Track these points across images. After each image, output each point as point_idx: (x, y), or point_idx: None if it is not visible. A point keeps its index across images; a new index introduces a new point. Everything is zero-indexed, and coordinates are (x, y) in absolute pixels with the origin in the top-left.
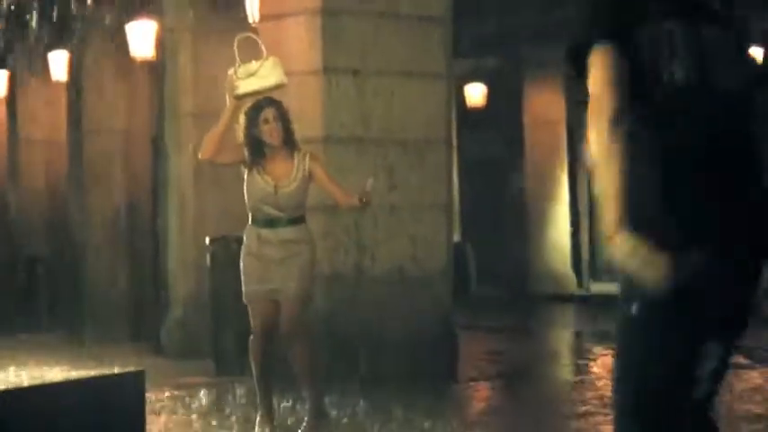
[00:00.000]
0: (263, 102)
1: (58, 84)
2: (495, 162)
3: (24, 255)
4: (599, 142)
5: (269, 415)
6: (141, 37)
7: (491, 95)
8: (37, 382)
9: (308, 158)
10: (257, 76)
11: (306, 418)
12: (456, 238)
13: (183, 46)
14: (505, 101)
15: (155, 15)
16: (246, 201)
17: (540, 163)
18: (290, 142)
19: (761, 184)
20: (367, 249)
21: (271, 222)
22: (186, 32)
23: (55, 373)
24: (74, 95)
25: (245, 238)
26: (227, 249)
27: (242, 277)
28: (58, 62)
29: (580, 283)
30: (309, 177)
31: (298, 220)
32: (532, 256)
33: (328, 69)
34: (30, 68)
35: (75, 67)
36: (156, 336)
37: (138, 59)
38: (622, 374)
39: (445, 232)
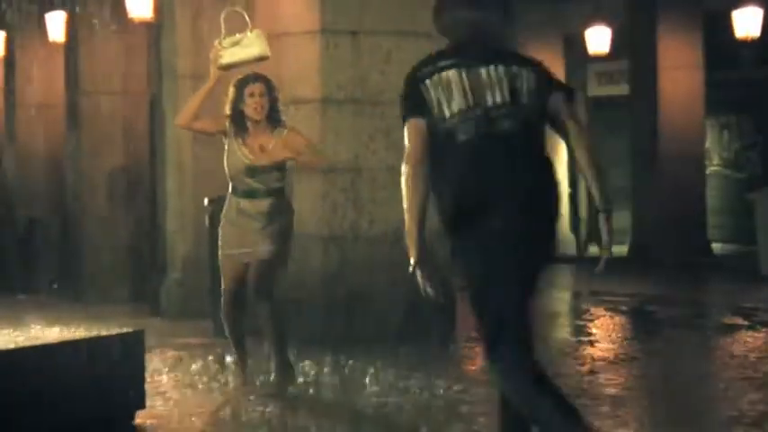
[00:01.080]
0: (252, 76)
1: (55, 44)
2: None
3: (23, 217)
4: (404, 179)
5: (243, 362)
6: None
7: None
8: (36, 342)
9: (285, 133)
10: (241, 45)
11: (273, 373)
12: None
13: (180, 6)
14: None
15: None
16: (226, 171)
17: None
18: (272, 118)
19: (536, 176)
20: (364, 210)
21: (249, 194)
22: None
23: (54, 334)
24: (71, 57)
25: (225, 206)
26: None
27: (219, 241)
28: (56, 23)
29: (578, 246)
30: (287, 151)
31: (275, 191)
32: None
33: (326, 30)
34: (27, 29)
35: (72, 28)
36: (155, 297)
37: (136, 20)
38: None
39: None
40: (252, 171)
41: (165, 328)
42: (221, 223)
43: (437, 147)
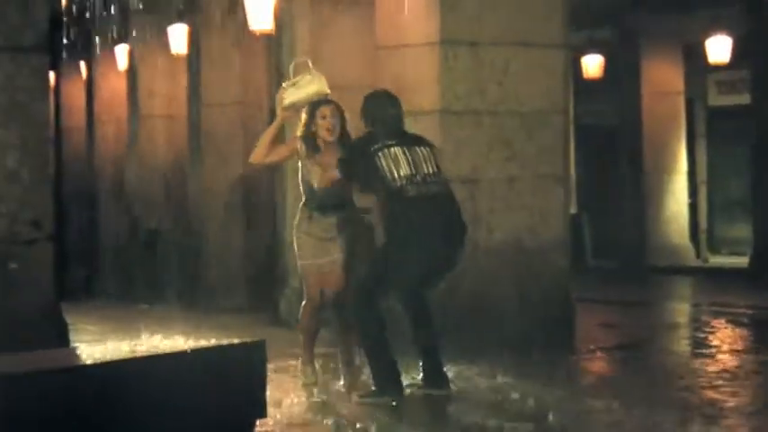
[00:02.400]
0: (322, 101)
1: (177, 57)
2: (612, 133)
3: (144, 227)
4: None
5: (311, 363)
6: (259, 9)
7: (608, 66)
8: (158, 351)
9: None
10: (297, 86)
11: (344, 371)
12: (572, 209)
13: (300, 17)
14: (623, 71)
15: None
16: (300, 187)
17: (657, 134)
18: (343, 138)
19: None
20: (483, 221)
21: (320, 207)
22: (304, 4)
23: (175, 343)
24: (193, 69)
25: (297, 217)
26: None
27: (296, 251)
28: (178, 35)
29: (698, 256)
30: None
31: (342, 205)
32: (649, 228)
33: (445, 41)
34: (149, 42)
35: (194, 41)
36: (275, 306)
37: (257, 32)
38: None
39: (562, 203)
40: (323, 187)
41: (284, 338)
42: (294, 233)
43: (389, 198)
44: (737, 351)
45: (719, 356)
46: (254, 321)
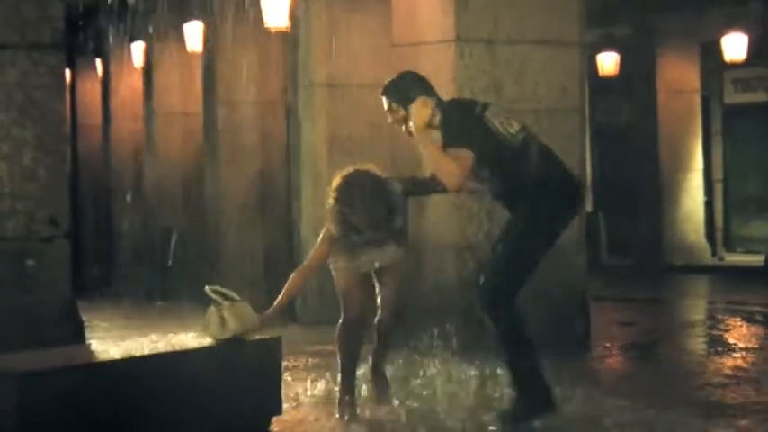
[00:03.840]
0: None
1: (193, 55)
2: (628, 131)
3: (161, 226)
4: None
5: (351, 393)
6: (275, 7)
7: (623, 64)
8: (175, 348)
9: None
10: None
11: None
12: (588, 207)
13: (316, 16)
14: (638, 69)
15: None
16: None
17: (673, 132)
18: None
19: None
20: (499, 219)
21: None
22: (319, 2)
23: (192, 340)
24: (209, 67)
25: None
26: None
27: (331, 263)
28: (193, 33)
29: (714, 254)
30: None
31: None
32: (665, 226)
33: (461, 39)
34: (165, 40)
35: (209, 38)
36: (291, 304)
37: (272, 29)
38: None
39: None
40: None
41: (301, 335)
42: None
43: (510, 162)
44: (753, 349)
45: (735, 354)
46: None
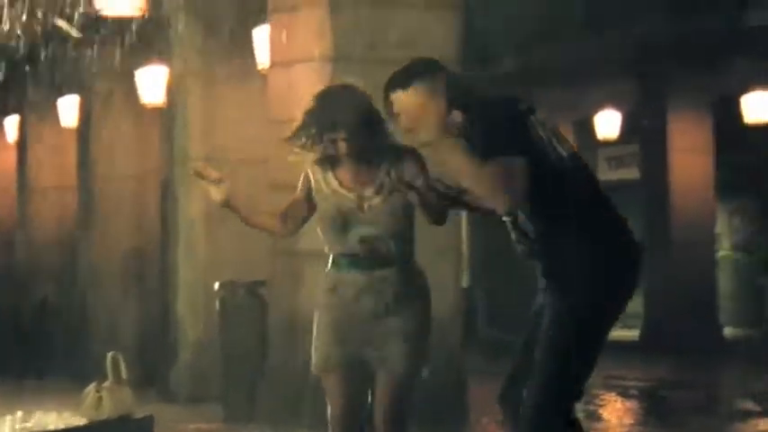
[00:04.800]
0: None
1: (67, 130)
2: None
3: (33, 300)
4: None
5: None
6: (152, 82)
7: None
8: (46, 428)
9: None
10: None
11: None
12: (466, 282)
13: (193, 91)
14: None
15: (165, 60)
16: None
17: None
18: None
19: None
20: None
21: (353, 262)
22: (197, 77)
23: (63, 419)
24: (84, 141)
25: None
26: (235, 294)
27: (314, 342)
28: (68, 108)
29: None
30: None
31: (393, 255)
32: None
33: (338, 58)
34: (40, 114)
35: (84, 112)
36: (165, 380)
37: (149, 105)
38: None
39: (454, 277)
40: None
41: (175, 413)
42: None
43: (560, 193)
44: (627, 424)
45: (609, 430)
46: (144, 395)
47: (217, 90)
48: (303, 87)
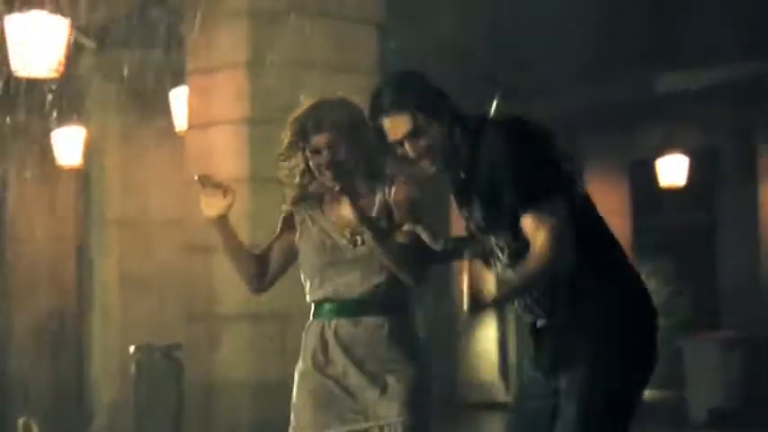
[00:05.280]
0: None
1: None
2: None
3: None
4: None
5: None
6: (68, 144)
7: None
8: None
9: None
10: None
11: None
12: None
13: (110, 152)
14: None
15: (82, 122)
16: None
17: None
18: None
19: None
20: (293, 359)
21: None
22: (113, 139)
23: None
24: (0, 203)
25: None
26: (151, 357)
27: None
28: None
29: (508, 390)
30: None
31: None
32: (460, 365)
33: (254, 178)
34: None
35: (0, 175)
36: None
37: (65, 167)
38: None
39: None
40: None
41: None
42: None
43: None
44: None
45: None
46: None
47: (134, 152)
48: (220, 149)
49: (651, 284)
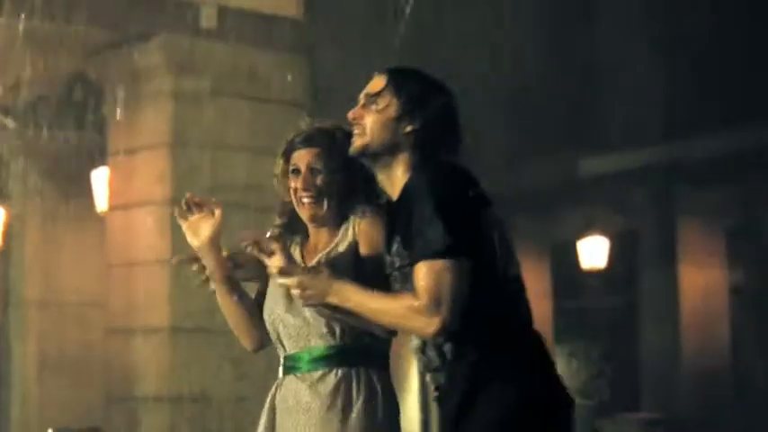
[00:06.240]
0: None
1: None
2: None
3: None
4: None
5: None
6: None
7: None
8: None
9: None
10: None
11: None
12: None
13: (29, 233)
14: None
15: (1, 202)
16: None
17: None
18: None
19: None
20: None
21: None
22: (34, 219)
23: None
24: None
25: None
26: None
27: None
28: None
29: None
30: None
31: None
32: None
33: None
34: None
35: None
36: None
37: None
38: None
39: None
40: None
41: None
42: None
43: (495, 323)
44: None
45: None
46: None
47: (54, 232)
48: (142, 230)
49: (572, 365)
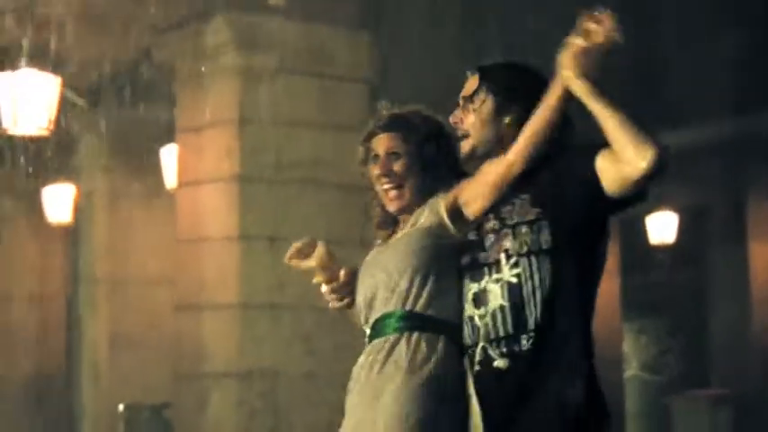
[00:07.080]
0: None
1: None
2: None
3: None
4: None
5: None
6: (57, 201)
7: None
8: None
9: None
10: None
11: None
12: None
13: (99, 210)
14: None
15: (72, 179)
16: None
17: None
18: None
19: None
20: (283, 416)
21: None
22: (103, 197)
23: None
24: None
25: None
26: (140, 416)
27: None
28: None
29: None
30: None
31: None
32: None
33: (244, 236)
34: None
35: None
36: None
37: (54, 224)
38: None
39: None
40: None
41: None
42: None
43: None
44: None
45: None
46: None
47: (124, 209)
48: (210, 207)
49: (641, 341)
